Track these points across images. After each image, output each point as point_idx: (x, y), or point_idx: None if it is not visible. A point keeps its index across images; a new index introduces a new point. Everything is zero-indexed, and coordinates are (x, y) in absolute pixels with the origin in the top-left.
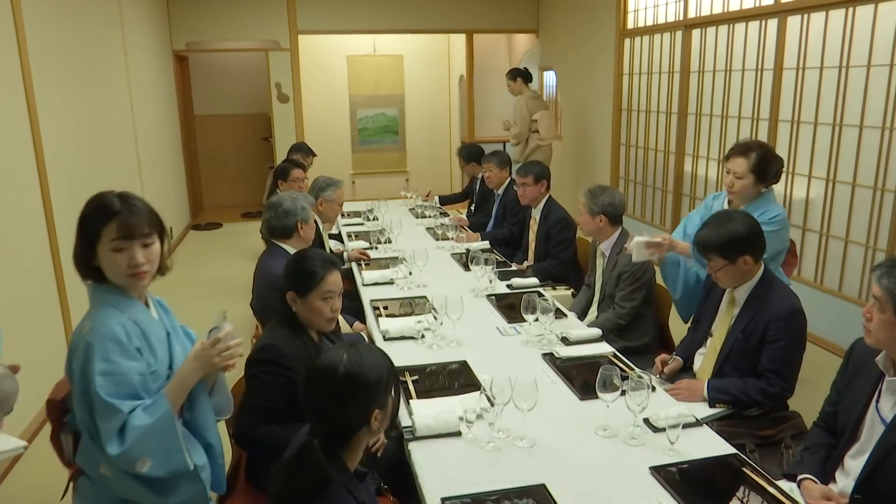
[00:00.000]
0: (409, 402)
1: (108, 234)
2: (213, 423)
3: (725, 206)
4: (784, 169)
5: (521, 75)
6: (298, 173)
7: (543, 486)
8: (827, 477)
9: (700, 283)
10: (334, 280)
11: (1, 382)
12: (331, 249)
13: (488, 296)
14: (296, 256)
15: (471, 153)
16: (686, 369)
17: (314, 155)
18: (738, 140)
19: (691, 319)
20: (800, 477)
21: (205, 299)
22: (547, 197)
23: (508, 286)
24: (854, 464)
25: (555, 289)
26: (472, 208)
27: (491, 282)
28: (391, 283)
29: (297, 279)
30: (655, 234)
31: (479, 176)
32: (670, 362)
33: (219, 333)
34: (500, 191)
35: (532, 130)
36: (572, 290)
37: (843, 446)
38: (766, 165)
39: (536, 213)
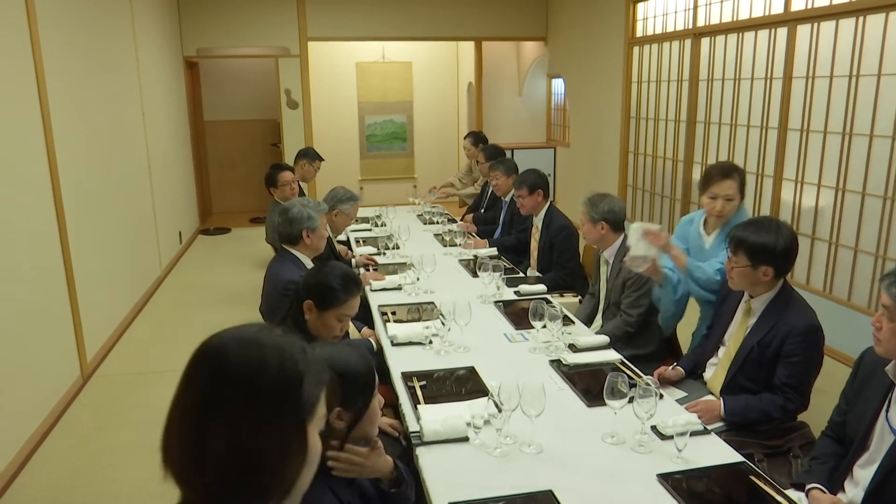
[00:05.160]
0: (416, 407)
1: None
2: None
3: (702, 230)
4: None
5: (482, 141)
6: (287, 176)
7: (551, 492)
8: (836, 486)
9: (684, 304)
10: (354, 304)
11: None
12: (339, 253)
13: (496, 302)
14: (323, 270)
15: (477, 138)
16: (696, 378)
17: (321, 160)
18: (746, 148)
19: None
20: (808, 486)
21: (212, 304)
22: (548, 205)
23: (516, 293)
24: (863, 473)
25: (562, 296)
26: (483, 209)
27: (499, 288)
28: (399, 288)
29: (319, 293)
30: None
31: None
32: (671, 370)
33: None
34: (508, 198)
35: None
36: (579, 297)
37: (852, 456)
38: (745, 182)
39: (538, 222)
